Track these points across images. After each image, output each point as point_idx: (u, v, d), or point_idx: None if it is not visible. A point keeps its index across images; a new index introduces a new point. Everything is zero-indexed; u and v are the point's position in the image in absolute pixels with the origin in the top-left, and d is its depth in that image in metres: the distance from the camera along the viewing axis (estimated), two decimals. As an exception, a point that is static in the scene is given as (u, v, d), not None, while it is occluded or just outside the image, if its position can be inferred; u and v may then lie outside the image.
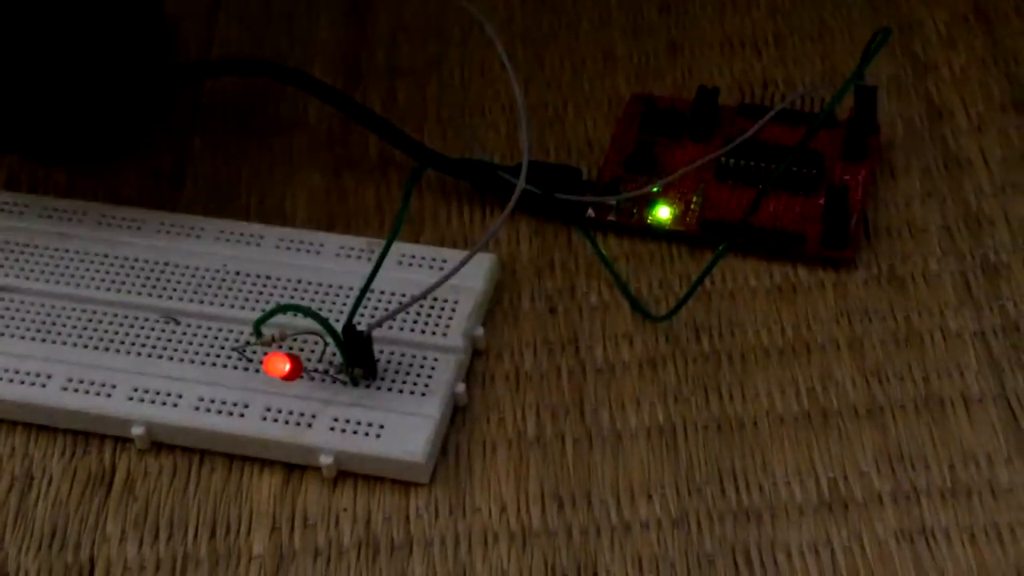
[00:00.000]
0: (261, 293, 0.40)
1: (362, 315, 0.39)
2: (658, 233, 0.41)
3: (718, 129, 0.43)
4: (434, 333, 0.38)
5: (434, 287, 0.36)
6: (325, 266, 0.40)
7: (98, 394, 0.38)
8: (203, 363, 0.38)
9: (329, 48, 0.47)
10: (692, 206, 0.42)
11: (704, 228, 0.41)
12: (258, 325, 0.37)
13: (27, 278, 0.40)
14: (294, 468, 0.37)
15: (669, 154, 0.43)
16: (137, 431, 0.37)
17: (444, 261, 0.40)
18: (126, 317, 0.39)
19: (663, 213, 0.41)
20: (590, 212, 0.42)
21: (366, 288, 0.37)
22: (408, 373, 0.38)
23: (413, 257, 0.40)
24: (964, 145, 0.43)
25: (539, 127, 0.44)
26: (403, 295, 0.39)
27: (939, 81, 0.45)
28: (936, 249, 0.40)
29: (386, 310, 0.39)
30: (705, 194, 0.42)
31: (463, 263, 0.36)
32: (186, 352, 0.38)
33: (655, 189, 0.41)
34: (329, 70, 0.47)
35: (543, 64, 0.46)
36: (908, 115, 0.44)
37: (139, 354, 0.38)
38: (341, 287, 0.40)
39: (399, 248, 0.40)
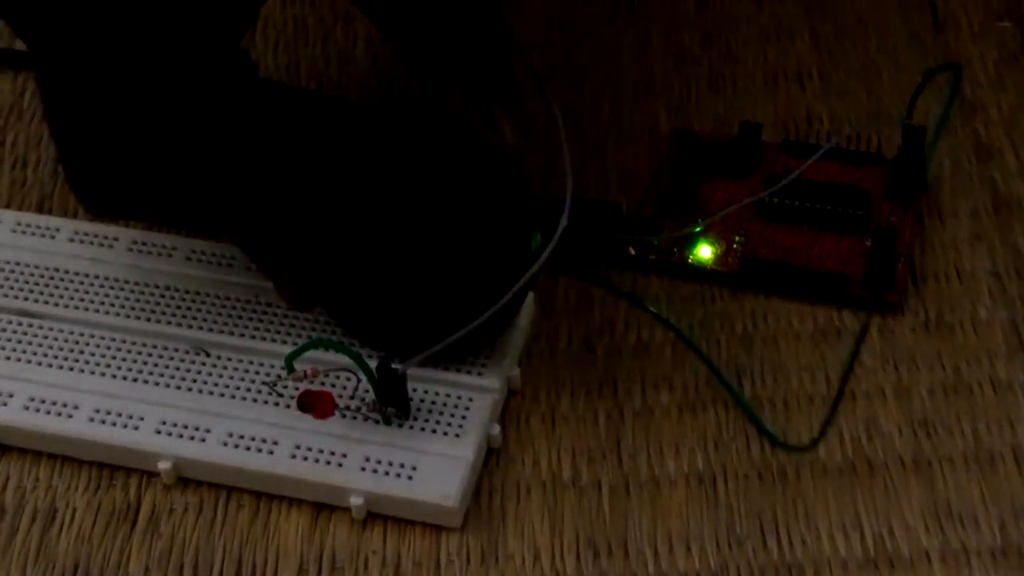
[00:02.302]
0: (293, 326, 0.39)
1: (396, 351, 0.38)
2: (699, 272, 0.40)
3: (761, 166, 0.42)
4: (469, 372, 0.37)
5: (472, 327, 0.35)
6: (359, 300, 0.39)
7: (125, 426, 0.37)
8: (233, 397, 0.37)
9: (367, 70, 0.47)
10: (734, 245, 0.41)
11: (746, 268, 0.40)
12: (290, 360, 0.37)
13: (55, 304, 0.40)
14: (323, 507, 0.36)
15: (710, 190, 0.42)
16: (164, 465, 0.36)
17: (480, 297, 0.39)
18: (155, 347, 0.38)
19: (704, 252, 0.40)
20: (631, 250, 0.41)
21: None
22: (442, 413, 0.37)
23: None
24: (1014, 187, 0.42)
25: (577, 159, 0.43)
26: (438, 331, 0.38)
27: (988, 121, 0.44)
28: (985, 296, 0.39)
29: (420, 346, 0.38)
30: (747, 233, 0.41)
31: (503, 302, 0.36)
32: (216, 385, 0.38)
33: (698, 229, 0.41)
34: (366, 92, 0.46)
35: (582, 95, 0.45)
36: (956, 155, 0.43)
37: (168, 386, 0.38)
38: (374, 321, 0.39)
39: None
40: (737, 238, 0.41)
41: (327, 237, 0.36)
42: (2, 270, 0.41)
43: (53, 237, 0.41)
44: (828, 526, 0.34)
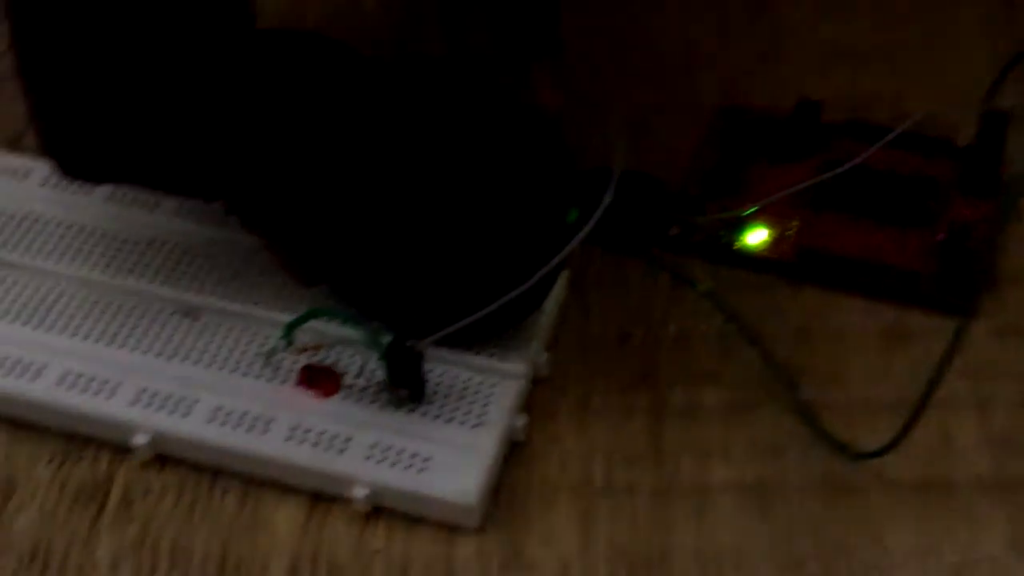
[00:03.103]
0: (295, 291, 0.34)
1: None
2: (748, 260, 0.36)
3: (819, 148, 0.38)
4: (492, 355, 0.33)
5: (501, 302, 0.31)
6: (372, 267, 0.35)
7: (98, 393, 0.32)
8: (223, 368, 0.33)
9: (377, 22, 0.42)
10: (787, 232, 0.37)
11: (802, 258, 0.36)
12: (290, 329, 0.32)
13: (26, 252, 0.35)
14: (321, 499, 0.31)
15: (760, 172, 0.38)
16: (140, 440, 0.32)
17: (507, 272, 0.35)
18: (137, 307, 0.34)
19: (755, 238, 0.36)
20: (674, 231, 0.37)
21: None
22: (461, 399, 0.32)
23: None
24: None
25: (613, 132, 0.39)
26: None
27: (1069, 113, 0.40)
28: (1069, 305, 0.35)
29: (438, 323, 0.34)
30: (802, 220, 0.37)
31: (536, 279, 0.31)
32: (204, 353, 0.33)
33: (750, 211, 0.36)
34: (375, 48, 0.41)
35: (622, 64, 0.41)
36: (1033, 148, 0.39)
37: (149, 351, 0.33)
38: (387, 292, 0.34)
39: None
40: (791, 224, 0.37)
41: (338, 205, 0.32)
42: (-34, 211, 0.36)
43: (25, 178, 0.37)
44: (900, 551, 0.30)
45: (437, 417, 0.32)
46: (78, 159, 0.33)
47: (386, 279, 0.32)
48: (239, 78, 0.32)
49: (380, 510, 0.31)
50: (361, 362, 0.33)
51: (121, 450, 0.32)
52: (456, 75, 0.33)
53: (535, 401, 0.33)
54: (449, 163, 0.32)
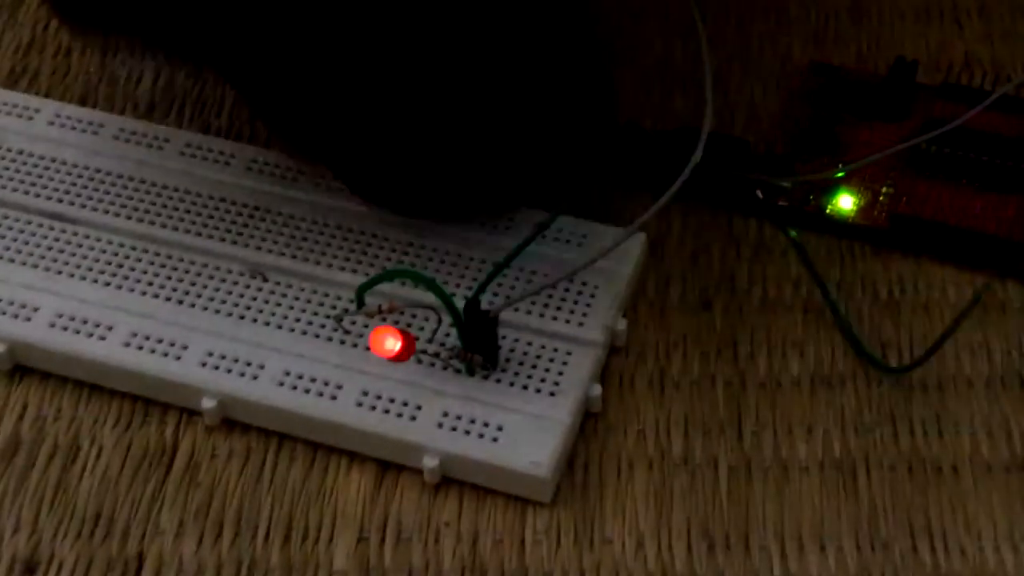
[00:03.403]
0: (366, 254, 0.33)
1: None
2: (837, 225, 0.35)
3: (914, 109, 0.37)
4: (568, 321, 0.32)
5: (582, 268, 0.30)
6: (447, 229, 0.34)
7: (165, 355, 0.32)
8: (292, 330, 0.32)
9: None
10: (880, 197, 0.35)
11: (895, 224, 0.34)
12: (362, 291, 0.31)
13: (93, 209, 0.34)
14: (389, 467, 0.31)
15: (852, 133, 0.36)
16: (207, 404, 0.31)
17: (584, 236, 0.34)
18: (205, 267, 0.33)
19: (846, 203, 0.35)
20: (758, 194, 0.35)
21: (506, 264, 0.30)
22: (535, 366, 0.31)
23: (549, 229, 0.34)
24: None
25: (697, 89, 0.38)
26: (533, 272, 0.33)
27: None
28: None
29: (512, 288, 0.33)
30: (896, 184, 0.35)
31: (618, 243, 0.30)
32: (273, 315, 0.32)
33: (840, 174, 0.35)
34: None
35: (704, 18, 0.40)
36: None
37: (218, 312, 0.32)
38: (460, 255, 0.33)
39: (532, 217, 0.34)
40: (884, 189, 0.35)
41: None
42: (36, 166, 0.35)
43: (96, 133, 0.36)
44: (993, 535, 0.29)
45: (511, 385, 0.31)
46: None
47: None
48: None
49: (450, 480, 0.30)
50: (434, 327, 0.32)
51: (188, 413, 0.32)
52: None
53: (611, 370, 0.32)
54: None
